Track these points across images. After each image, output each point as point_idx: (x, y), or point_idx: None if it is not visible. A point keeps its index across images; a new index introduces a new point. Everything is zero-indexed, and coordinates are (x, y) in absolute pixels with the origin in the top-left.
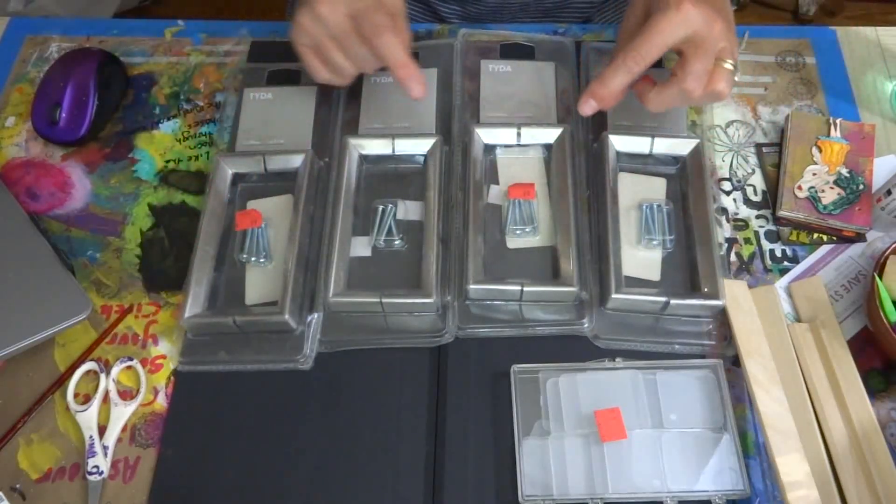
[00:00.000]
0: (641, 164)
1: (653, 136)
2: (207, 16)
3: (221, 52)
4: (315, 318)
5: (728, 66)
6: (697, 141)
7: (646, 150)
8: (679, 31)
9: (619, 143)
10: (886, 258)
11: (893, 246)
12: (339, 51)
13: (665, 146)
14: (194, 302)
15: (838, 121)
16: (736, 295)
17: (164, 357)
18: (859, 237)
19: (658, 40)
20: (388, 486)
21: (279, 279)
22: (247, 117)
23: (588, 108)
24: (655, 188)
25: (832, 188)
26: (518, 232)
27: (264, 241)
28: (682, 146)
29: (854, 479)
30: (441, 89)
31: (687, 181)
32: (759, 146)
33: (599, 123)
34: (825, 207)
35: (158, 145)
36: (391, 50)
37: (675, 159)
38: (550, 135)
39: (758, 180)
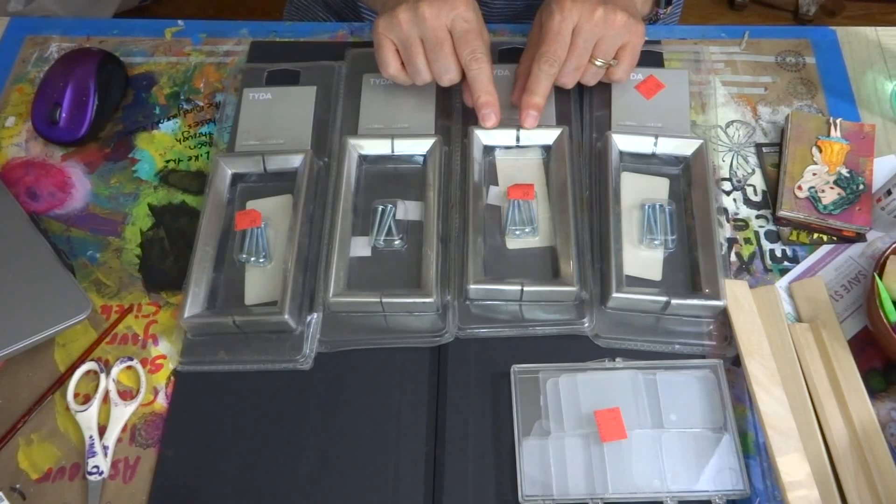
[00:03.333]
0: (645, 163)
1: (656, 136)
2: (207, 16)
3: (221, 52)
4: (315, 317)
5: (598, 63)
6: (701, 141)
7: (649, 150)
8: (567, 26)
9: (623, 142)
10: (886, 258)
11: (893, 246)
12: (425, 56)
13: (669, 146)
14: (194, 302)
15: (838, 121)
16: (737, 295)
17: (164, 357)
18: (859, 237)
19: (558, 40)
20: (388, 486)
21: (279, 279)
22: (246, 117)
23: (531, 119)
24: (658, 188)
25: (832, 188)
26: (518, 233)
27: (264, 241)
28: (685, 146)
29: (854, 479)
30: (440, 90)
31: (690, 181)
32: (759, 146)
33: (603, 123)
34: (825, 207)
35: (158, 145)
36: (482, 78)
37: (679, 159)
38: (549, 136)
39: (758, 180)
